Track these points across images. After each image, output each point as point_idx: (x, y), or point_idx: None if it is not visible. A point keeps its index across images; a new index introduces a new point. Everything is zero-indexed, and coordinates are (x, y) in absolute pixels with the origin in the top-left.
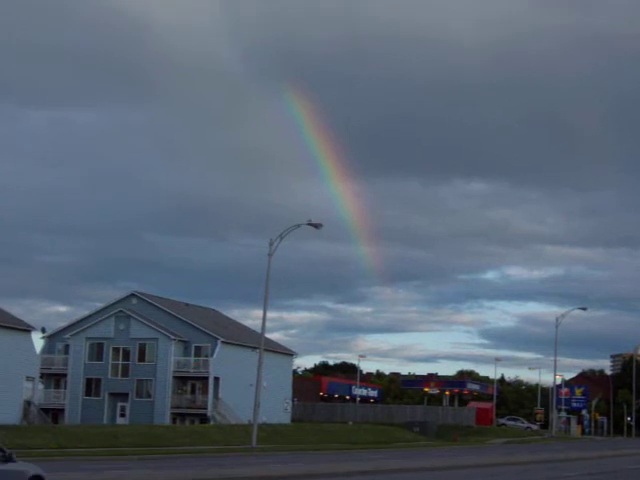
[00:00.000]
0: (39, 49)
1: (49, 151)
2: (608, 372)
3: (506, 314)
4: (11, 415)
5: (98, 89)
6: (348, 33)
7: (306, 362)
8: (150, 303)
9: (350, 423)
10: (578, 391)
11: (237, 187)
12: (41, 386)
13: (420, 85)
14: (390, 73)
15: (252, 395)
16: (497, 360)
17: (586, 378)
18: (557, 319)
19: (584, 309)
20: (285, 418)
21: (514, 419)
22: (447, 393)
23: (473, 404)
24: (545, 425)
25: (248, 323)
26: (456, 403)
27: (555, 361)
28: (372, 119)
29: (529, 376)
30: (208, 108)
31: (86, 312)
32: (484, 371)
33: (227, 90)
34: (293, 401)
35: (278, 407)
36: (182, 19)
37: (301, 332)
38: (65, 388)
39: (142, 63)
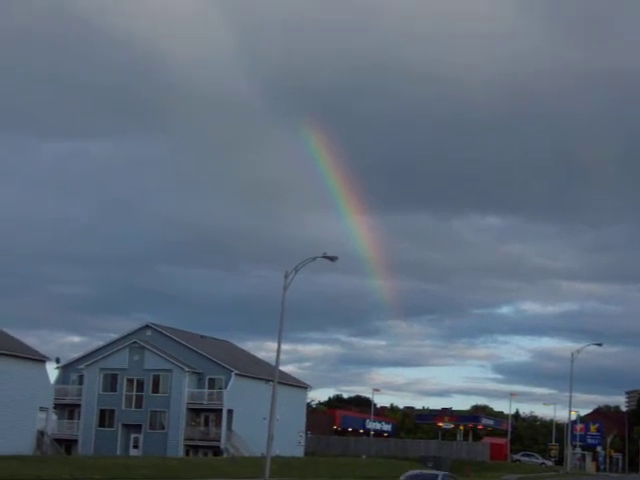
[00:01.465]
0: (57, 83)
1: (65, 181)
2: (623, 408)
3: (520, 349)
4: (24, 445)
5: (115, 121)
6: (364, 69)
7: (320, 395)
8: (164, 334)
9: (364, 457)
10: (593, 427)
11: (252, 219)
12: (55, 416)
13: (436, 120)
14: (406, 109)
15: (265, 428)
16: (512, 395)
17: (601, 414)
18: (572, 354)
19: (599, 345)
20: (298, 451)
21: (529, 455)
22: (461, 428)
23: (487, 439)
24: (560, 461)
25: (262, 355)
26: (470, 438)
27: (570, 397)
28: (387, 153)
29: (544, 411)
30: (224, 141)
31: (100, 343)
32: (498, 406)
33: (243, 123)
34: (307, 434)
35: (292, 440)
36: (199, 53)
37: (315, 365)
38: (79, 419)
39: (158, 96)
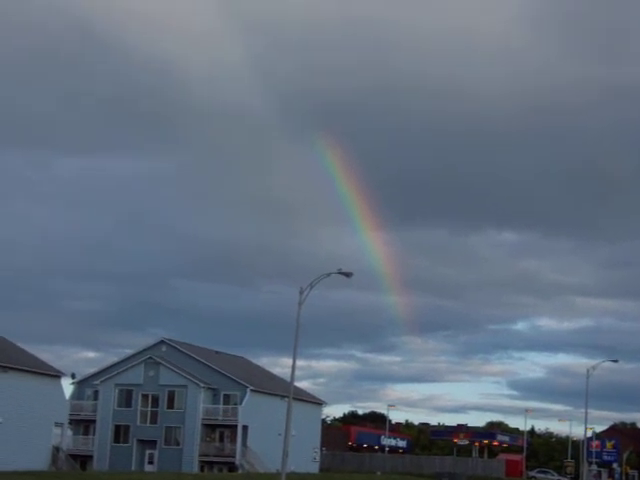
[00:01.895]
0: (72, 99)
1: (79, 197)
2: (639, 425)
3: (535, 365)
4: (39, 461)
5: (129, 137)
6: (380, 85)
7: (335, 411)
8: (179, 350)
9: (378, 473)
10: (609, 444)
11: (267, 235)
12: (70, 432)
13: (451, 136)
14: (422, 124)
15: (280, 444)
16: (528, 411)
17: (617, 431)
18: (588, 371)
19: (615, 361)
20: (313, 467)
21: (544, 471)
22: (476, 444)
23: (503, 456)
24: (576, 478)
25: (277, 371)
26: (485, 454)
27: (586, 413)
28: (403, 169)
29: (559, 428)
30: (238, 157)
31: (115, 358)
32: (513, 422)
33: (258, 139)
34: (321, 450)
35: (306, 456)
36: (214, 70)
37: (330, 381)
38: (94, 434)
39: (174, 113)
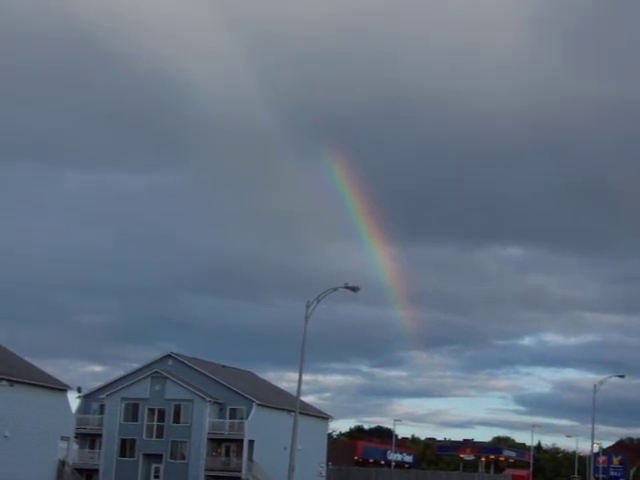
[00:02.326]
0: (79, 114)
1: (83, 211)
2: None
3: (542, 380)
4: (45, 475)
5: (132, 151)
6: (385, 100)
7: (341, 426)
8: (186, 364)
9: None
10: (616, 460)
11: (274, 249)
12: (76, 446)
13: (457, 151)
14: (427, 139)
15: (287, 458)
16: (534, 427)
17: (624, 446)
18: (595, 386)
19: (622, 377)
20: None
21: None
22: (483, 459)
23: (509, 471)
24: None
25: (283, 385)
26: (492, 470)
27: (593, 429)
28: (410, 184)
29: (566, 443)
30: (245, 171)
31: (122, 372)
32: (520, 438)
33: (264, 153)
34: (327, 465)
35: (312, 471)
36: (220, 86)
37: (336, 395)
38: (100, 448)
39: (177, 126)
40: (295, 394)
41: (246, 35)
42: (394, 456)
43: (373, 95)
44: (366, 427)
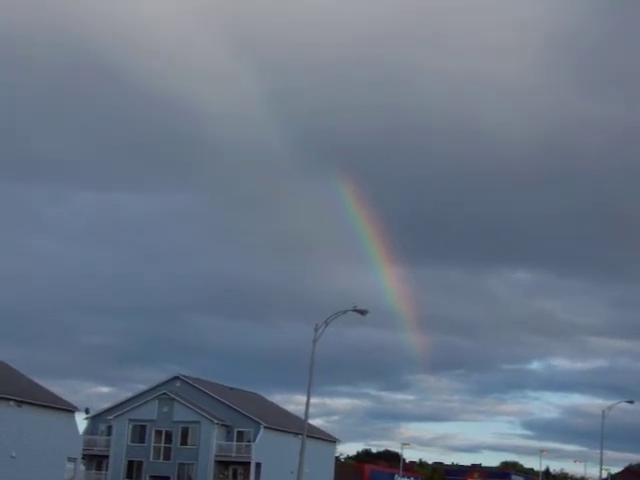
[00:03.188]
0: (91, 136)
1: (94, 232)
2: None
3: (550, 405)
4: None
5: (145, 173)
6: (396, 126)
7: (348, 449)
8: (194, 386)
9: None
10: None
11: (282, 271)
12: (83, 467)
13: (466, 175)
14: (436, 164)
15: None
16: (542, 452)
17: (632, 472)
18: (603, 411)
19: (631, 402)
20: None
21: None
22: None
23: None
24: None
25: (290, 408)
26: None
27: (601, 454)
28: (418, 207)
29: (574, 469)
30: (255, 194)
31: (129, 394)
32: (528, 462)
33: (273, 177)
34: None
35: None
36: (230, 109)
37: (343, 419)
38: (107, 470)
39: (189, 149)
40: (303, 417)
41: (257, 60)
42: None
43: (382, 121)
44: (374, 450)
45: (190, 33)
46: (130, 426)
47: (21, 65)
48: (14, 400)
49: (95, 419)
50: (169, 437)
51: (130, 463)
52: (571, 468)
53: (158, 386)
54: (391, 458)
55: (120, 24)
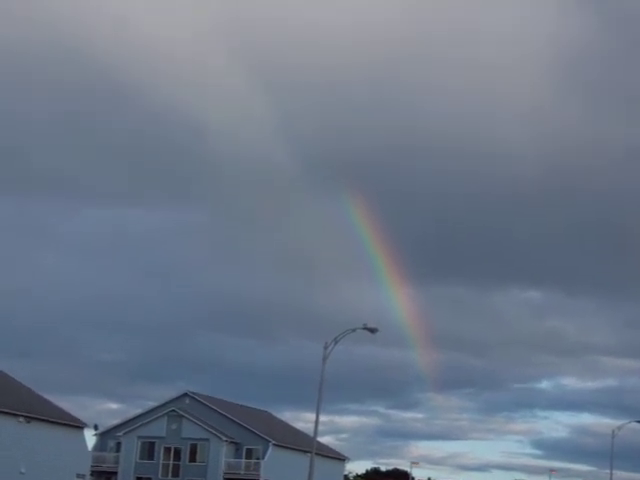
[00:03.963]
0: (91, 149)
1: (99, 247)
2: None
3: (559, 424)
4: None
5: (149, 189)
6: (405, 145)
7: (357, 467)
8: (203, 403)
9: None
10: None
11: (291, 289)
12: None
13: (477, 195)
14: (449, 183)
15: None
16: (552, 471)
17: None
18: (613, 431)
19: None
20: None
21: None
22: None
23: None
24: None
25: (299, 426)
26: None
27: (611, 474)
28: (427, 226)
29: None
30: (262, 212)
31: (139, 410)
32: None
33: (282, 195)
34: None
35: None
36: (236, 126)
37: (352, 436)
38: None
39: (195, 166)
40: (311, 434)
41: (265, 80)
42: None
43: (391, 140)
44: (383, 469)
45: (198, 53)
46: (139, 443)
47: (27, 80)
48: (23, 416)
49: (104, 435)
50: (178, 454)
51: None
52: None
53: (167, 403)
54: (400, 477)
55: (130, 44)
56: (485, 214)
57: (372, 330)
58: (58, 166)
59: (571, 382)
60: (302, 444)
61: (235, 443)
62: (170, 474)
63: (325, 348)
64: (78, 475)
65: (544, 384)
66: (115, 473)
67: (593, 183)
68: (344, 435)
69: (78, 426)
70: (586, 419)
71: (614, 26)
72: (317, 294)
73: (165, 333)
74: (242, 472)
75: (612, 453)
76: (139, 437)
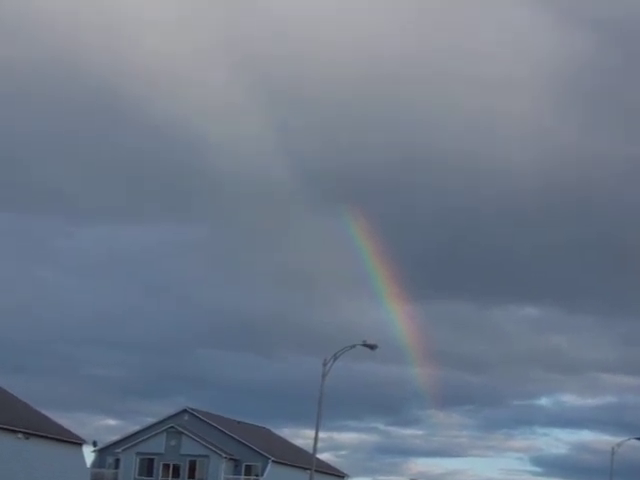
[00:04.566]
0: (89, 167)
1: (97, 265)
2: None
3: (558, 441)
4: None
5: (147, 205)
6: (405, 161)
7: None
8: (202, 420)
9: None
10: None
11: (290, 305)
12: None
13: (475, 211)
14: (447, 199)
15: None
16: None
17: None
18: (613, 448)
19: None
20: None
21: None
22: None
23: None
24: None
25: (298, 442)
26: None
27: None
28: (427, 242)
29: None
30: (261, 228)
31: (137, 427)
32: None
33: (281, 211)
34: None
35: None
36: (234, 142)
37: (351, 453)
38: None
39: (193, 183)
40: (311, 451)
41: (264, 95)
42: None
43: (391, 156)
44: None
45: (196, 69)
46: (138, 459)
47: (25, 97)
48: (22, 432)
49: (103, 452)
50: (177, 471)
51: None
52: None
53: (166, 419)
54: None
55: (130, 59)
56: (485, 230)
57: (371, 347)
58: (56, 182)
59: (571, 399)
60: (301, 461)
61: (234, 460)
62: None
63: (324, 364)
64: None
65: (544, 401)
66: None
67: (593, 198)
68: (343, 452)
69: (77, 442)
70: (586, 436)
71: (614, 43)
72: (316, 310)
73: (164, 349)
74: None
75: (612, 470)
76: (138, 453)
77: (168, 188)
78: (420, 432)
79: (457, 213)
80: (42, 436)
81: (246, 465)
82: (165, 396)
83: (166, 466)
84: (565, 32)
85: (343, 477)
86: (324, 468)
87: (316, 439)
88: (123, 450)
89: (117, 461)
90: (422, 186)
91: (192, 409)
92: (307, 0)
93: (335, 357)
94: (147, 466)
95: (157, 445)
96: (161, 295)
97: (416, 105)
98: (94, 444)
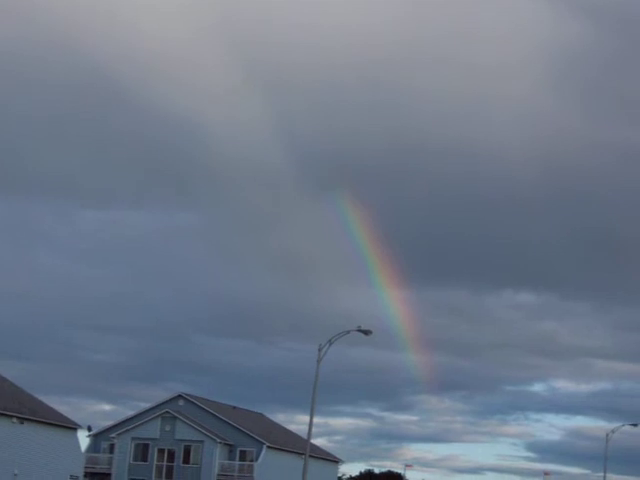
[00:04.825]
0: (89, 151)
1: (96, 250)
2: None
3: (552, 427)
4: None
5: (145, 191)
6: (402, 148)
7: (351, 469)
8: (197, 405)
9: None
10: None
11: (285, 291)
12: None
13: (472, 198)
14: (444, 186)
15: None
16: (545, 474)
17: None
18: (607, 434)
19: (635, 425)
20: None
21: None
22: None
23: None
24: None
25: (293, 428)
26: None
27: (604, 477)
28: (423, 229)
29: None
30: (258, 214)
31: (132, 412)
32: None
33: (278, 197)
34: None
35: None
36: (232, 128)
37: (346, 439)
38: None
39: (192, 168)
40: (305, 436)
41: (262, 81)
42: None
43: (388, 143)
44: (376, 471)
45: (195, 54)
46: (133, 444)
47: (23, 82)
48: (17, 417)
49: (98, 437)
50: (172, 456)
51: None
52: None
53: (161, 404)
54: (393, 479)
55: (127, 45)
56: (480, 216)
57: (366, 332)
58: (55, 168)
59: (565, 385)
60: (296, 446)
61: (229, 445)
62: (164, 475)
63: (319, 350)
64: (71, 476)
65: (538, 387)
66: (109, 474)
67: (589, 186)
68: (338, 437)
69: (71, 427)
70: (580, 422)
71: (611, 28)
72: (312, 296)
73: (159, 335)
74: (236, 474)
75: (606, 456)
76: (133, 438)
77: (165, 174)
78: (414, 418)
79: (453, 200)
80: (37, 421)
81: (241, 450)
82: (160, 381)
83: (161, 451)
84: (563, 17)
85: (337, 462)
86: (318, 453)
87: (310, 424)
88: (118, 435)
89: (112, 446)
90: (418, 172)
91: (187, 394)
92: None
93: (330, 343)
94: (142, 451)
95: (152, 430)
96: (158, 281)
97: (414, 91)
98: (89, 429)
